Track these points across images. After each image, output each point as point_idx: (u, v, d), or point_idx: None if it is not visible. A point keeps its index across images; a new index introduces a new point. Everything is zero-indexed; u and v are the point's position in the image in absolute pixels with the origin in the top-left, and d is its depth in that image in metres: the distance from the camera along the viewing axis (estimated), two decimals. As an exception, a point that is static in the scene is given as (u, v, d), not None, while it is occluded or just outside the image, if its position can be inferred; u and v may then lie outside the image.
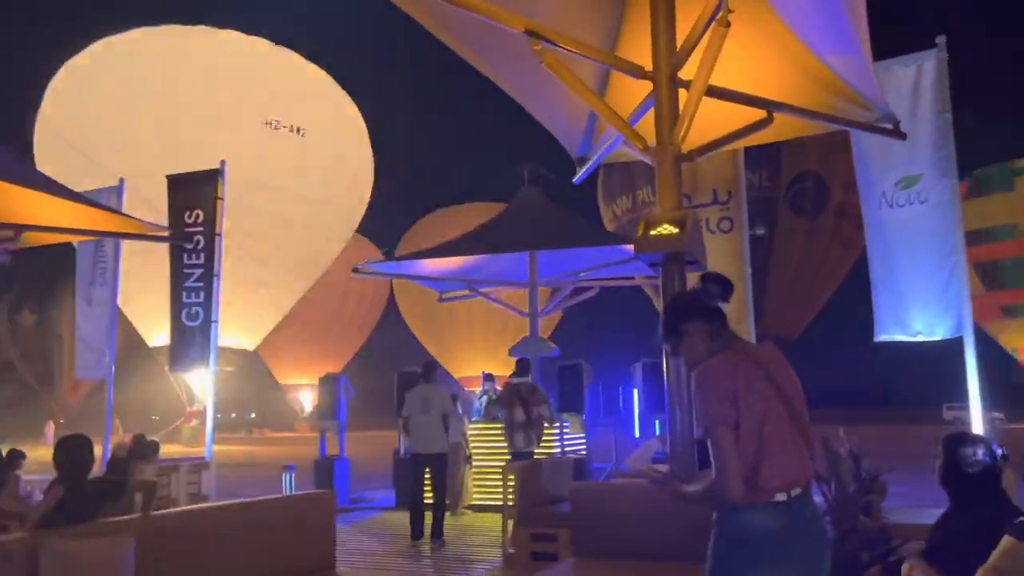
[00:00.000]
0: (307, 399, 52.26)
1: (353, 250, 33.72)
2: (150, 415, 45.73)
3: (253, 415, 63.20)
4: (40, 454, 10.69)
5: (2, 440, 25.47)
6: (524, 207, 12.45)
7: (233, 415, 55.78)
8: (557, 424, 10.23)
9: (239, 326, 26.17)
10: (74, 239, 10.22)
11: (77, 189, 8.83)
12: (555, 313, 17.75)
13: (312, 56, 27.50)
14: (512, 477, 7.12)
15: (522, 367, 9.40)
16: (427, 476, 8.31)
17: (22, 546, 3.16)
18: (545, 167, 13.06)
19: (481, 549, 7.85)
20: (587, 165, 7.75)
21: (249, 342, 29.28)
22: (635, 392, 11.45)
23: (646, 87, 6.24)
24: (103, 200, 10.17)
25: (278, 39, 26.67)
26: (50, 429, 38.75)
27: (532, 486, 7.00)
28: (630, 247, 10.90)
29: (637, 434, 11.50)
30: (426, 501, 8.29)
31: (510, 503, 7.15)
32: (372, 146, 30.05)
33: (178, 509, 5.30)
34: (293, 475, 11.00)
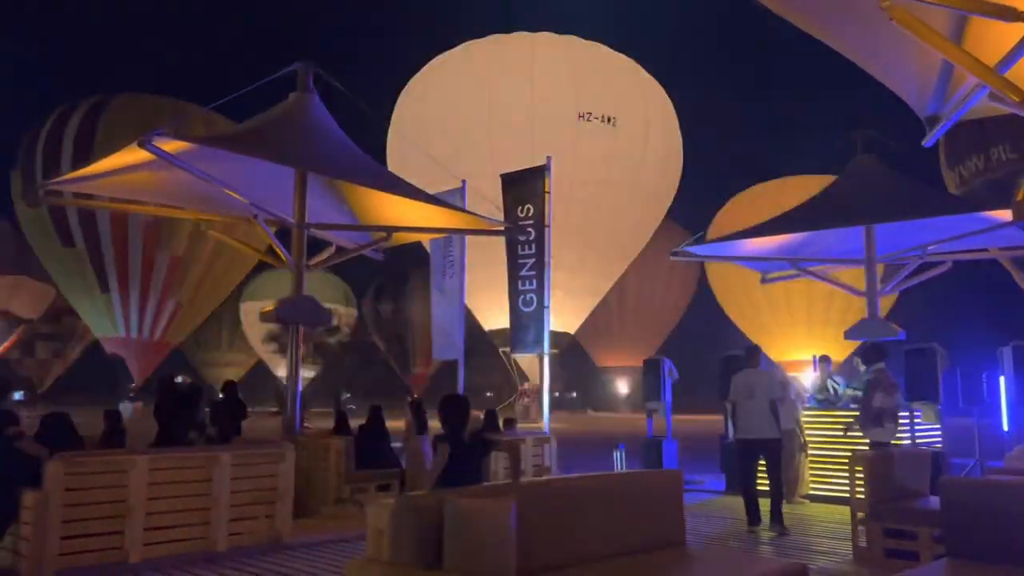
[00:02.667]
0: (623, 381, 53.65)
1: (663, 234, 33.81)
2: (484, 393, 50.36)
3: (574, 395, 66.50)
4: (399, 426, 12.22)
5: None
6: (858, 177, 11.48)
7: (556, 394, 59.25)
8: (906, 413, 9.40)
9: (561, 311, 27.66)
10: (432, 237, 11.61)
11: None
12: (892, 293, 16.15)
13: (620, 46, 28.01)
14: (861, 468, 6.68)
15: (878, 351, 8.72)
16: (761, 463, 8.12)
17: (430, 503, 3.73)
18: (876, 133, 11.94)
19: (825, 540, 7.49)
20: (940, 124, 6.95)
21: (570, 326, 30.82)
22: (1001, 379, 10.05)
23: (1015, 31, 5.44)
24: (450, 201, 11.41)
25: (588, 34, 27.59)
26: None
27: (885, 479, 6.52)
28: (992, 214, 9.58)
29: (1006, 427, 10.07)
30: (759, 487, 8.10)
31: (859, 495, 6.72)
32: (680, 128, 29.84)
33: (545, 478, 5.83)
34: (624, 453, 11.42)
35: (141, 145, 7.70)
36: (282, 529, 7.17)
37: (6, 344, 41.79)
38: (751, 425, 7.94)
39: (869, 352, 8.62)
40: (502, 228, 10.81)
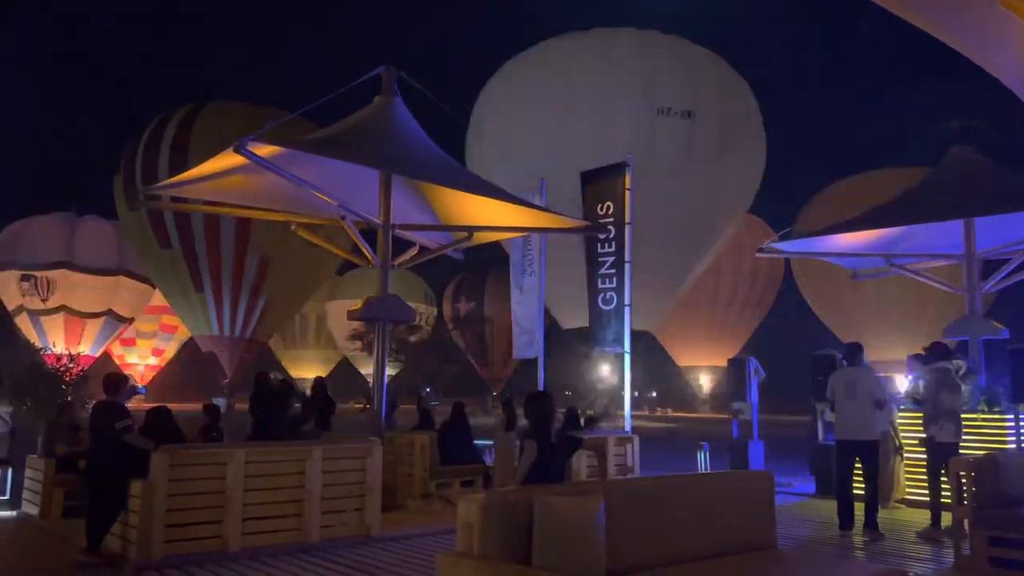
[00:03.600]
0: (705, 380, 52.66)
1: (746, 231, 33.00)
2: (562, 391, 50.27)
3: (654, 394, 65.70)
4: (480, 422, 12.34)
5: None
6: (954, 169, 10.99)
7: (636, 393, 58.64)
8: (1011, 416, 8.94)
9: (640, 309, 27.35)
10: (512, 235, 11.68)
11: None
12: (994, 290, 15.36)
13: (705, 34, 27.51)
14: (962, 473, 6.39)
15: (943, 350, 8.36)
16: (856, 464, 7.86)
17: (519, 499, 3.76)
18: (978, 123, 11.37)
19: (923, 547, 7.20)
20: (1049, 113, 6.59)
21: (649, 324, 30.43)
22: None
23: None
24: (529, 199, 11.44)
25: (672, 26, 27.17)
26: (489, 401, 45.08)
27: (988, 484, 6.22)
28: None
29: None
30: (854, 491, 7.85)
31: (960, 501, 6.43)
32: (765, 121, 29.08)
33: (633, 477, 5.80)
34: (707, 453, 11.24)
35: (236, 150, 8.02)
36: (371, 522, 7.33)
37: (109, 341, 44.14)
38: (851, 425, 7.67)
39: (933, 350, 8.25)
40: (583, 227, 10.78)
